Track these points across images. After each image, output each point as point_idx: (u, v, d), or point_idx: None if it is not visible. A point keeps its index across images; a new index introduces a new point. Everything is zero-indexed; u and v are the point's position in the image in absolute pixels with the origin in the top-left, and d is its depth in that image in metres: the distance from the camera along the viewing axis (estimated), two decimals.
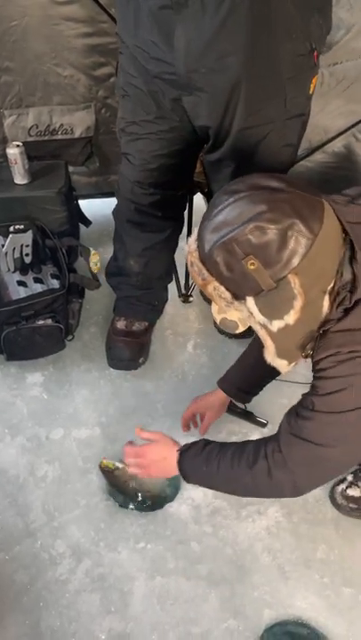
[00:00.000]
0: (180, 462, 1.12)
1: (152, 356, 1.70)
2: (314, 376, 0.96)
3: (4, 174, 1.82)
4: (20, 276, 1.61)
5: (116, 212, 1.62)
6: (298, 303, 0.85)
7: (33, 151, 1.82)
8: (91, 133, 1.97)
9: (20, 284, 1.59)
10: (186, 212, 1.70)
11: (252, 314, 0.88)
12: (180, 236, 1.65)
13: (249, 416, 1.47)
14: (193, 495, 1.35)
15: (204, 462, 1.08)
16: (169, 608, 1.16)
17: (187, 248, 0.94)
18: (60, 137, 1.94)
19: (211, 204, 0.92)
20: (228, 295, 0.89)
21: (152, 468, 1.19)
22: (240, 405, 1.44)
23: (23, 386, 1.58)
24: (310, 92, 1.26)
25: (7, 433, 1.46)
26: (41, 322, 1.55)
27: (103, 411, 1.54)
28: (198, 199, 1.75)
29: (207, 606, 1.18)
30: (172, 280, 1.77)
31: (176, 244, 1.68)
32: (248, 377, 1.35)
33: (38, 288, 1.59)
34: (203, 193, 1.76)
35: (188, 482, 1.14)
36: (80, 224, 1.99)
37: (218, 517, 1.32)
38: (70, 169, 1.94)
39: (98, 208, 2.06)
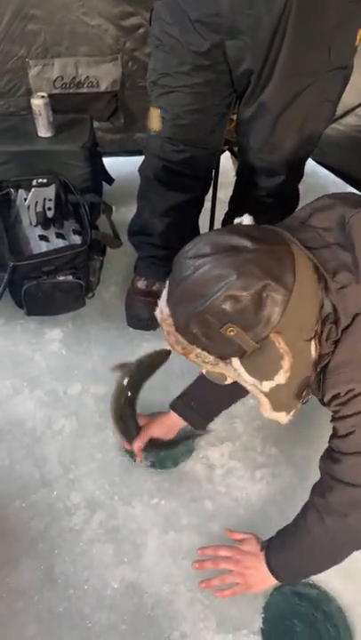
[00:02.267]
0: (271, 566, 1.07)
1: None
2: (331, 417, 0.94)
3: (27, 127, 1.79)
4: (41, 230, 1.60)
5: (142, 168, 1.58)
6: (286, 362, 0.81)
7: (57, 104, 1.78)
8: (117, 87, 1.92)
9: (42, 238, 1.58)
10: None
11: (240, 374, 0.84)
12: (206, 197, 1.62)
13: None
14: (208, 454, 1.36)
15: (287, 551, 1.05)
16: (180, 562, 1.18)
17: (158, 314, 0.89)
18: (85, 90, 1.90)
19: (175, 268, 0.88)
20: (211, 359, 0.84)
21: (248, 578, 1.10)
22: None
23: (42, 341, 1.58)
24: (356, 44, 1.20)
25: (25, 386, 1.47)
26: (62, 278, 1.54)
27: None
28: (224, 158, 1.71)
29: None
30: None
31: (202, 206, 1.65)
32: (208, 401, 1.26)
33: (60, 243, 1.57)
34: (231, 152, 1.72)
35: (289, 583, 1.13)
36: (103, 182, 1.96)
37: (232, 478, 1.32)
38: (95, 125, 1.90)
39: (121, 166, 2.02)
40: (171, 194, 1.53)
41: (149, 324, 1.63)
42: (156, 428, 1.28)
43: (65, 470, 1.31)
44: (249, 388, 0.86)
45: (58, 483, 1.29)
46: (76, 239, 1.59)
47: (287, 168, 1.44)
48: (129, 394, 1.28)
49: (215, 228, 1.72)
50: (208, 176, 1.59)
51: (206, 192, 1.62)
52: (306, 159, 1.51)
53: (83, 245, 1.54)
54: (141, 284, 1.66)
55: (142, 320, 1.63)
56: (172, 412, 1.28)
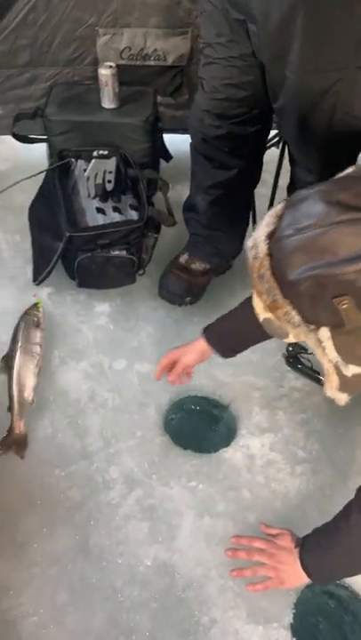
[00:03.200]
0: (305, 565, 1.04)
1: (220, 302, 1.65)
2: None
3: (92, 97, 1.78)
4: (99, 202, 1.58)
5: (191, 142, 1.54)
6: None
7: (122, 75, 1.76)
8: (183, 62, 1.89)
9: (99, 211, 1.57)
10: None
11: (323, 347, 0.74)
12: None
13: (312, 374, 1.41)
14: (249, 443, 1.34)
15: (323, 551, 1.02)
16: (214, 548, 1.17)
17: (249, 246, 0.76)
18: (151, 63, 1.87)
19: (304, 201, 0.73)
20: (297, 319, 0.73)
21: (281, 573, 1.06)
22: (306, 363, 1.39)
23: (91, 314, 1.58)
24: None
25: (72, 357, 1.47)
26: (116, 252, 1.53)
27: (166, 349, 1.50)
28: None
29: None
30: (246, 229, 1.69)
31: (248, 188, 1.58)
32: (238, 337, 1.21)
33: (116, 217, 1.56)
34: None
35: (321, 583, 1.11)
36: (161, 159, 1.94)
37: (271, 470, 1.30)
38: (157, 99, 1.87)
39: (180, 144, 1.97)
40: (213, 171, 1.47)
41: (176, 298, 1.62)
42: (189, 355, 1.26)
43: (105, 444, 1.32)
44: (324, 362, 0.77)
45: (97, 456, 1.30)
46: (133, 214, 1.57)
47: (323, 166, 1.32)
48: None
49: None
50: (254, 156, 1.50)
51: (254, 174, 1.55)
52: (348, 157, 1.43)
53: (139, 221, 1.53)
54: (183, 258, 1.64)
55: (172, 293, 1.62)
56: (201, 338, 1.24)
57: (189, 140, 1.57)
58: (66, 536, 1.17)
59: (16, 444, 1.29)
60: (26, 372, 1.37)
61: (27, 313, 1.47)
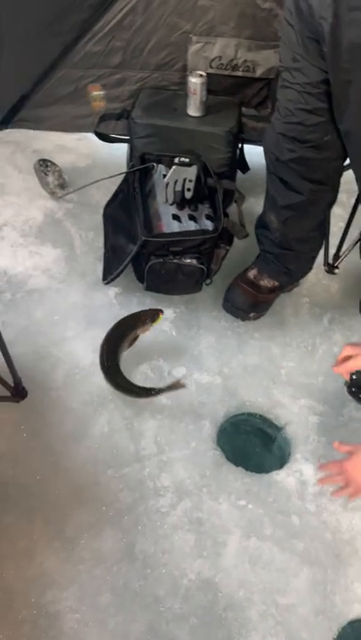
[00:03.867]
0: None
1: (284, 320, 1.64)
2: None
3: (178, 103, 1.79)
4: (176, 209, 1.59)
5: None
6: None
7: (210, 84, 1.76)
8: (271, 75, 1.86)
9: (175, 217, 1.58)
10: None
11: None
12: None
13: None
14: (303, 469, 1.32)
15: None
16: (259, 571, 1.16)
17: None
18: (239, 74, 1.86)
19: None
20: None
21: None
22: None
23: None
24: None
25: (133, 359, 1.49)
26: (187, 260, 1.53)
27: (226, 362, 1.52)
28: None
29: (297, 582, 1.16)
30: (319, 250, 1.66)
31: (324, 210, 1.54)
32: None
33: (191, 226, 1.57)
34: None
35: None
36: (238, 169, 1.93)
37: (324, 499, 1.27)
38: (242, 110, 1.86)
39: (257, 156, 1.96)
40: (286, 192, 1.44)
41: (239, 312, 1.61)
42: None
43: (159, 450, 1.32)
44: None
45: (150, 461, 1.30)
46: (208, 224, 1.57)
47: None
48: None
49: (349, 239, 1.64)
50: (328, 181, 1.45)
51: (329, 196, 1.51)
52: None
53: (214, 232, 1.53)
54: (251, 273, 1.63)
55: (236, 307, 1.61)
56: None
57: None
58: (113, 538, 1.18)
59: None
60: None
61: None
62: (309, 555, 1.20)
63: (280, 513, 1.25)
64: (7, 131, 2.05)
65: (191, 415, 1.39)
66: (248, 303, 1.61)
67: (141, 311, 1.48)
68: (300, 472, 1.31)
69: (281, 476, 1.31)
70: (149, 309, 1.48)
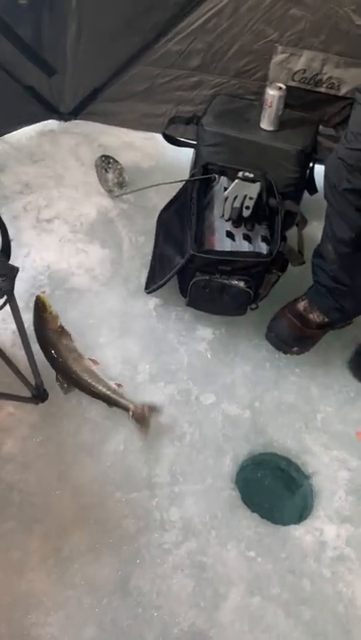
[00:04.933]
0: None
1: (329, 360, 1.53)
2: None
3: (252, 114, 1.70)
4: (231, 226, 1.51)
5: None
6: None
7: (288, 98, 1.66)
8: None
9: (229, 235, 1.49)
10: None
11: None
12: None
13: None
14: (324, 529, 1.21)
15: None
16: (258, 634, 1.07)
17: None
18: (323, 90, 1.75)
19: None
20: None
21: None
22: None
23: (192, 336, 1.52)
24: None
25: (162, 377, 1.42)
26: (234, 281, 1.44)
27: (259, 395, 1.42)
28: None
29: None
30: None
31: None
32: None
33: (245, 246, 1.48)
34: None
35: None
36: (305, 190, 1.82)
37: (342, 567, 1.16)
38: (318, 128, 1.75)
39: None
40: (342, 222, 1.34)
41: (281, 345, 1.52)
42: None
43: (172, 480, 1.25)
44: None
45: (161, 490, 1.23)
46: (263, 247, 1.48)
47: None
48: None
49: None
50: None
51: None
52: None
53: (267, 257, 1.43)
54: (301, 305, 1.52)
55: (280, 338, 1.52)
56: None
57: None
58: (109, 567, 1.12)
59: (147, 415, 1.29)
60: (92, 372, 1.34)
61: (49, 327, 1.38)
62: (316, 625, 1.09)
63: (291, 573, 1.15)
64: (75, 122, 2.03)
65: (213, 448, 1.31)
66: (293, 336, 1.50)
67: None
68: (320, 531, 1.21)
69: (299, 531, 1.21)
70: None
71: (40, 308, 1.39)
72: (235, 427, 1.35)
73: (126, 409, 1.30)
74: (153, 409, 1.31)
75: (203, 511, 1.21)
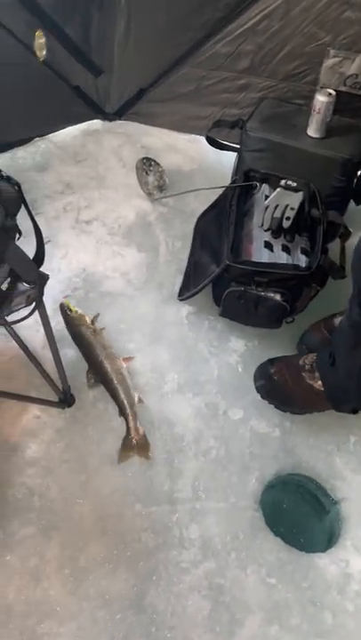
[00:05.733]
0: None
1: None
2: None
3: (298, 119, 1.64)
4: (270, 237, 1.46)
5: None
6: None
7: (338, 103, 1.59)
8: None
9: (267, 245, 1.44)
10: None
11: None
12: None
13: None
14: (350, 560, 1.15)
15: None
16: None
17: None
18: None
19: None
20: None
21: None
22: None
23: (223, 347, 1.48)
24: None
25: (190, 388, 1.39)
26: (270, 294, 1.40)
27: (290, 414, 1.37)
28: None
29: None
30: None
31: None
32: None
33: (283, 258, 1.42)
34: None
35: None
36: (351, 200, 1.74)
37: None
38: None
39: None
40: None
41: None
42: None
43: (194, 496, 1.22)
44: None
45: (183, 506, 1.20)
46: (302, 259, 1.42)
47: None
48: None
49: None
50: None
51: None
52: None
53: (306, 270, 1.38)
54: (338, 321, 1.45)
55: (310, 344, 1.45)
56: None
57: None
58: (125, 581, 1.10)
59: (138, 446, 1.27)
60: (122, 375, 1.34)
61: (78, 323, 1.42)
62: None
63: (312, 604, 1.10)
64: (120, 122, 2.02)
65: (238, 465, 1.27)
66: (323, 341, 1.44)
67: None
68: (346, 562, 1.15)
69: (323, 561, 1.16)
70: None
71: (65, 310, 1.43)
72: (263, 445, 1.31)
73: (127, 426, 1.29)
74: (144, 445, 1.28)
75: (224, 531, 1.17)
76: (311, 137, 1.60)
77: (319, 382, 1.29)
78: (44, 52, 1.57)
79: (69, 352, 1.40)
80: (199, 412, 1.35)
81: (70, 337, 1.42)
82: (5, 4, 1.50)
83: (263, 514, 1.21)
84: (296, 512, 1.26)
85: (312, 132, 1.59)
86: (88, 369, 1.38)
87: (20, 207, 1.02)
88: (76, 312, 1.43)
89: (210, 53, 1.75)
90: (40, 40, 1.53)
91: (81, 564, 1.11)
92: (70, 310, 1.43)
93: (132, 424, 1.29)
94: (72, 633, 1.04)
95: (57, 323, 1.44)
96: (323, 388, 1.28)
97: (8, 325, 1.08)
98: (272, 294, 1.40)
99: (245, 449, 1.30)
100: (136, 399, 1.32)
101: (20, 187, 1.01)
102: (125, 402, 1.31)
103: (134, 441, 1.27)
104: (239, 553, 1.15)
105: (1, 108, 1.69)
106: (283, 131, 1.62)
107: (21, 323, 0.97)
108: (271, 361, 1.39)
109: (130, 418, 1.29)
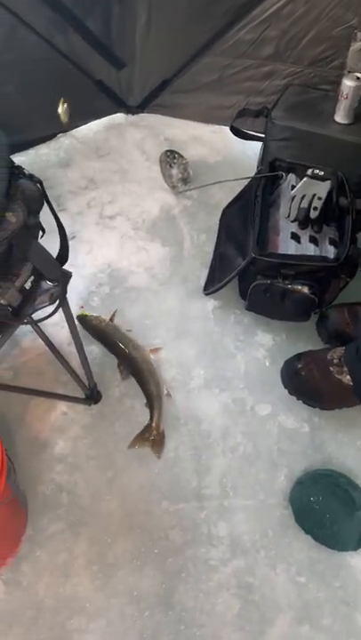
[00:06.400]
0: None
1: None
2: None
3: (325, 106, 1.60)
4: (297, 227, 1.42)
5: None
6: None
7: None
8: None
9: (294, 237, 1.41)
10: None
11: None
12: None
13: None
14: None
15: None
16: None
17: None
18: None
19: None
20: None
21: None
22: None
23: (250, 342, 1.45)
24: None
25: (216, 384, 1.37)
26: (297, 287, 1.36)
27: (319, 409, 1.34)
28: None
29: None
30: None
31: None
32: None
33: (310, 249, 1.39)
34: None
35: None
36: None
37: None
38: None
39: None
40: None
41: (332, 340, 1.41)
42: None
43: (222, 493, 1.21)
44: None
45: (210, 503, 1.19)
46: (330, 250, 1.38)
47: None
48: None
49: None
50: None
51: None
52: None
53: (335, 261, 1.34)
54: None
55: (328, 330, 1.41)
56: None
57: None
58: (153, 578, 1.10)
59: (154, 442, 1.26)
60: (152, 365, 1.34)
61: (96, 323, 1.43)
62: None
63: (345, 604, 1.08)
64: (143, 115, 2.01)
65: (266, 462, 1.25)
66: (341, 335, 1.40)
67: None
68: None
69: (356, 559, 1.13)
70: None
71: (81, 320, 1.43)
72: (291, 441, 1.28)
73: (150, 417, 1.28)
74: (160, 441, 1.27)
75: (253, 528, 1.16)
76: (339, 123, 1.55)
77: (348, 377, 1.25)
78: (68, 119, 1.63)
79: (95, 349, 1.40)
80: (226, 408, 1.33)
81: (96, 340, 1.42)
82: (26, 1, 1.50)
83: (292, 511, 1.19)
84: (326, 509, 1.23)
85: (340, 118, 1.55)
86: (118, 362, 1.38)
87: (43, 205, 1.01)
88: (92, 315, 1.44)
89: (233, 41, 1.71)
90: (64, 106, 1.60)
91: (109, 560, 1.11)
92: (86, 316, 1.43)
93: (155, 417, 1.28)
94: (101, 629, 1.04)
95: None
96: (351, 383, 1.25)
97: (34, 323, 1.08)
98: (299, 287, 1.37)
99: (273, 445, 1.28)
100: (165, 392, 1.32)
101: (42, 184, 1.00)
102: (154, 392, 1.30)
103: (153, 436, 1.26)
104: (268, 551, 1.13)
105: (25, 106, 1.70)
106: (309, 118, 1.58)
107: (47, 320, 0.96)
108: (298, 356, 1.35)
109: (155, 410, 1.28)
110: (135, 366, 1.35)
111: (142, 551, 1.12)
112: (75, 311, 1.38)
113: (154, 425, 1.27)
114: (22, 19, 1.52)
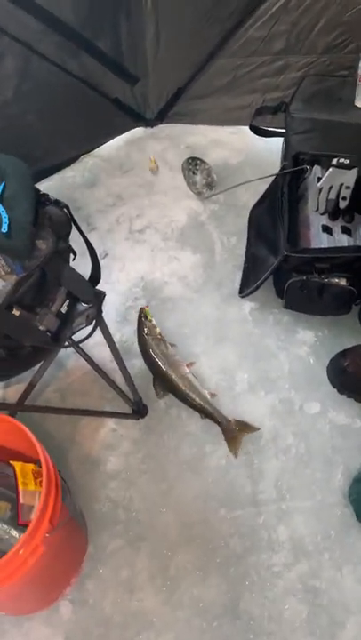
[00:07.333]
0: None
1: None
2: None
3: (345, 92, 1.56)
4: (327, 220, 1.39)
5: None
6: None
7: None
8: None
9: (325, 229, 1.38)
10: None
11: None
12: None
13: None
14: None
15: None
16: None
17: None
18: None
19: None
20: None
21: None
22: None
23: (292, 340, 1.43)
24: None
25: (261, 386, 1.36)
26: (334, 280, 1.34)
27: None
28: None
29: None
30: None
31: None
32: None
33: (343, 240, 1.35)
34: None
35: None
36: None
37: None
38: None
39: None
40: None
41: None
42: None
43: (279, 496, 1.19)
44: None
45: (268, 507, 1.18)
46: None
47: None
48: None
49: None
50: None
51: None
52: None
53: None
54: None
55: None
56: None
57: None
58: (217, 587, 1.09)
59: (240, 429, 1.26)
60: (188, 380, 1.32)
61: (148, 333, 1.40)
62: None
63: None
64: (162, 126, 2.02)
65: (321, 461, 1.23)
66: None
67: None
68: None
69: None
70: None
71: (141, 316, 1.43)
72: (344, 437, 1.25)
73: (216, 422, 1.27)
74: (244, 426, 1.26)
75: (313, 530, 1.14)
76: (360, 108, 1.51)
77: None
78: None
79: (137, 363, 1.41)
80: (274, 410, 1.32)
81: (137, 342, 1.42)
82: (36, 30, 1.54)
83: (353, 509, 1.16)
84: None
85: (360, 102, 1.51)
86: (154, 380, 1.37)
87: (71, 228, 1.03)
88: (151, 321, 1.42)
89: (242, 41, 1.70)
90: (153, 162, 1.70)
91: (171, 572, 1.12)
92: (146, 318, 1.42)
93: (219, 417, 1.27)
94: None
95: (122, 334, 1.46)
96: None
97: (75, 345, 1.10)
98: (336, 280, 1.34)
99: (326, 443, 1.25)
100: (208, 396, 1.31)
101: (68, 208, 1.02)
102: (199, 401, 1.30)
103: (232, 426, 1.26)
104: (332, 553, 1.10)
105: (47, 132, 1.74)
106: (328, 107, 1.55)
107: (88, 340, 0.98)
108: (343, 353, 1.32)
109: (213, 412, 1.28)
110: (171, 384, 1.33)
111: (203, 561, 1.12)
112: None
113: (225, 422, 1.27)
114: (34, 49, 1.56)
